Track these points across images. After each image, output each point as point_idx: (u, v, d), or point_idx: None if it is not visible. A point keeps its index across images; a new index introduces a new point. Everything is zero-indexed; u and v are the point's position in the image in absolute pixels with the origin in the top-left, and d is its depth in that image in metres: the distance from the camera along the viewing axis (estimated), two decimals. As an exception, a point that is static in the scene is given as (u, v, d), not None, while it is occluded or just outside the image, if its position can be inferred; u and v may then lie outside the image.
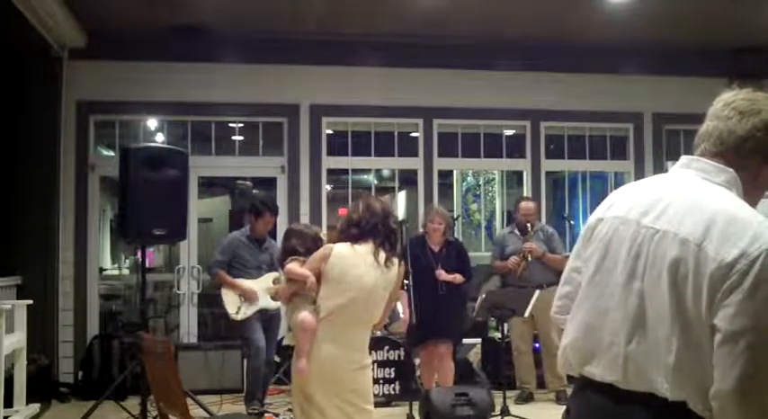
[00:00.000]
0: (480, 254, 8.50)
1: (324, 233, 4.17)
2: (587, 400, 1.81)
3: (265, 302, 6.34)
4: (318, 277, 3.62)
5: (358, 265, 3.61)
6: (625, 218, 1.78)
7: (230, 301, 6.29)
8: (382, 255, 3.63)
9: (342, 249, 3.64)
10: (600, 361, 1.76)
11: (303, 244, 3.93)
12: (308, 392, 3.57)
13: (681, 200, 1.72)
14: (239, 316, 6.26)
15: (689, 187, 1.75)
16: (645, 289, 1.70)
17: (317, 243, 3.88)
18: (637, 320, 1.70)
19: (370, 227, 3.66)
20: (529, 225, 6.86)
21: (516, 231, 7.00)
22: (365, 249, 3.64)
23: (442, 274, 6.09)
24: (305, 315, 3.60)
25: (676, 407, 1.64)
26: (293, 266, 3.76)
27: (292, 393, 3.82)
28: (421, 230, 6.43)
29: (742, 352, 1.55)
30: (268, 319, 6.46)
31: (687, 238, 1.64)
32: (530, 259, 6.75)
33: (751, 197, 1.78)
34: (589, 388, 1.80)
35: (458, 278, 6.15)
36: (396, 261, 3.69)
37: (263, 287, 6.36)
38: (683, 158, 1.84)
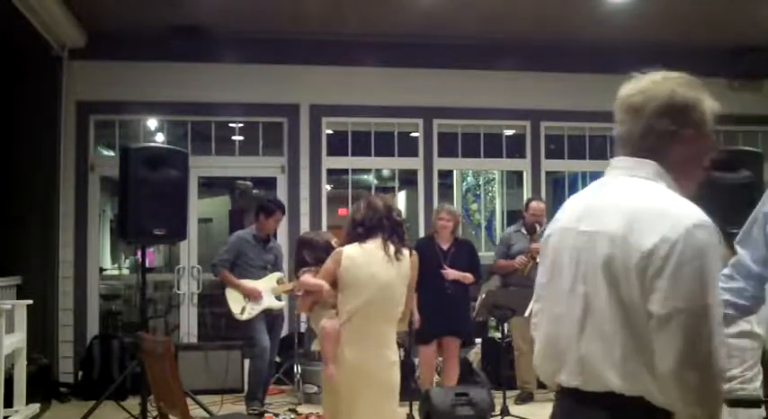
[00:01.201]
0: (481, 254, 8.48)
1: (335, 240, 4.16)
2: (559, 406, 1.87)
3: (269, 302, 6.35)
4: (334, 283, 3.63)
5: (370, 264, 3.62)
6: (566, 228, 1.85)
7: (235, 301, 6.29)
8: (392, 249, 3.64)
9: (351, 251, 3.65)
10: (564, 367, 1.80)
11: (312, 254, 3.96)
12: (337, 393, 3.61)
13: (609, 200, 1.78)
14: (244, 316, 6.27)
15: (616, 186, 1.80)
16: (588, 291, 1.74)
17: (328, 251, 3.89)
18: (584, 322, 1.75)
19: (375, 224, 3.67)
20: (537, 225, 6.86)
21: (523, 230, 7.02)
22: (374, 246, 3.65)
23: (450, 273, 6.08)
24: (325, 322, 3.65)
25: (635, 403, 1.67)
26: (307, 278, 3.81)
27: (323, 397, 3.86)
28: (424, 232, 6.43)
29: (675, 333, 1.60)
30: (272, 319, 6.47)
31: (614, 235, 1.69)
32: (537, 260, 6.74)
33: (687, 177, 1.82)
34: (561, 394, 1.85)
35: (468, 277, 6.15)
36: (406, 252, 3.71)
37: (267, 287, 6.38)
38: (611, 160, 1.89)
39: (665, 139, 1.78)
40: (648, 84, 1.81)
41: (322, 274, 3.70)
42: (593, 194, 1.86)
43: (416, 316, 5.82)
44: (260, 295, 6.30)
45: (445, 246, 6.22)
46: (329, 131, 8.25)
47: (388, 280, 3.62)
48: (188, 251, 7.97)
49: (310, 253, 3.99)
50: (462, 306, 6.27)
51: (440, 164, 8.41)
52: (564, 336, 1.79)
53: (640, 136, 1.80)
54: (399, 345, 6.63)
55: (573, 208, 1.89)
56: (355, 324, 3.58)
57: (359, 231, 3.69)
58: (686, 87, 1.81)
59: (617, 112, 1.85)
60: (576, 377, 1.76)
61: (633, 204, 1.71)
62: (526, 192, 8.33)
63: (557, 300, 1.83)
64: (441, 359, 6.39)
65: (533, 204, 7.02)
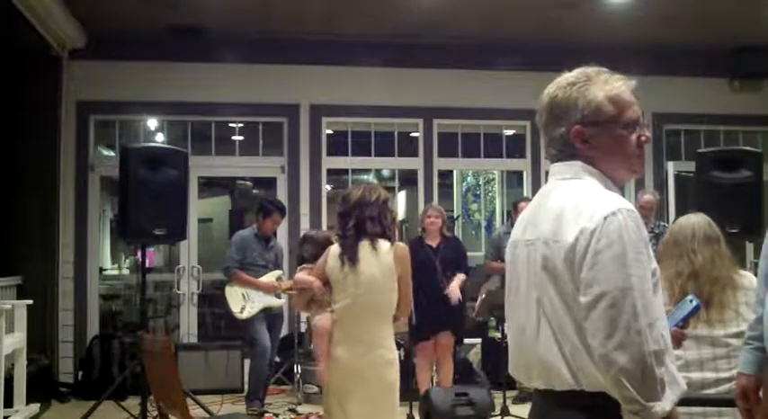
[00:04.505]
0: (480, 254, 8.49)
1: (335, 237, 4.13)
2: (533, 407, 1.92)
3: (269, 300, 6.36)
4: (327, 281, 3.62)
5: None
6: (516, 241, 1.93)
7: (234, 300, 6.30)
8: (366, 242, 3.57)
9: (335, 249, 3.64)
10: (532, 373, 1.84)
11: (312, 249, 3.95)
12: (331, 392, 3.60)
13: (543, 206, 1.85)
14: (243, 315, 6.27)
15: (550, 192, 1.87)
16: (539, 296, 1.79)
17: (326, 247, 3.86)
18: (539, 325, 1.80)
19: (349, 215, 3.61)
20: None
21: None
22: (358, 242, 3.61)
23: (453, 292, 6.13)
24: (318, 319, 3.65)
25: (598, 399, 1.69)
26: (300, 275, 3.81)
27: (324, 395, 3.79)
28: (419, 230, 6.47)
29: (599, 318, 1.65)
30: (272, 319, 6.48)
31: (547, 238, 1.77)
32: None
33: (616, 165, 1.84)
34: (535, 395, 1.90)
35: (460, 279, 6.21)
36: (383, 242, 3.59)
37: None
38: (549, 167, 1.95)
39: (567, 142, 1.84)
40: (544, 98, 1.88)
41: (315, 272, 3.68)
42: (534, 203, 1.93)
43: (412, 318, 5.84)
44: (276, 289, 6.33)
45: (434, 244, 6.27)
46: (329, 131, 8.25)
47: (371, 276, 3.54)
48: (188, 251, 7.96)
49: (310, 248, 3.97)
50: (455, 303, 6.26)
51: (440, 164, 8.41)
52: (527, 343, 1.84)
53: (549, 145, 1.89)
54: (399, 346, 6.68)
55: (521, 220, 1.95)
56: (345, 322, 3.55)
57: (341, 225, 3.65)
58: (569, 86, 1.85)
59: (539, 119, 1.92)
60: (543, 379, 1.80)
61: (558, 205, 1.78)
62: (526, 192, 8.33)
63: (518, 311, 1.89)
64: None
65: (523, 205, 7.00)
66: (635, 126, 1.84)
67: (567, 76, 1.88)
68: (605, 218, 1.68)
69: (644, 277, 1.67)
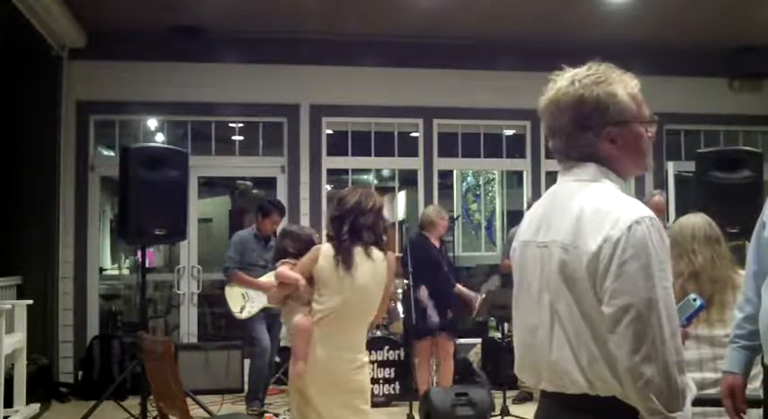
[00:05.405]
0: (480, 254, 8.51)
1: (317, 236, 4.09)
2: (541, 408, 1.90)
3: (268, 300, 6.36)
4: (310, 279, 3.59)
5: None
6: (527, 241, 1.89)
7: (234, 300, 6.30)
8: (360, 248, 3.55)
9: (328, 249, 3.58)
10: (542, 375, 1.83)
11: (296, 245, 3.88)
12: (305, 394, 3.56)
13: (557, 209, 1.81)
14: (243, 315, 6.27)
15: (563, 194, 1.83)
16: (552, 300, 1.77)
17: (309, 246, 3.79)
18: (552, 329, 1.78)
19: (344, 220, 3.58)
20: None
21: None
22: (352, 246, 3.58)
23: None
24: (299, 318, 3.58)
25: (611, 403, 1.69)
26: (283, 269, 3.69)
27: (290, 394, 3.80)
28: (422, 229, 6.51)
29: (626, 330, 1.63)
30: (272, 318, 6.47)
31: (564, 242, 1.74)
32: None
33: (630, 165, 1.83)
34: (543, 396, 1.88)
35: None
36: (377, 250, 3.59)
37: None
38: (560, 167, 1.91)
39: (590, 143, 1.80)
40: (557, 94, 1.83)
41: (299, 267, 3.63)
42: (546, 203, 1.89)
43: (411, 319, 5.89)
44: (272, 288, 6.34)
45: (437, 244, 6.38)
46: (329, 131, 8.25)
47: (364, 283, 3.54)
48: (188, 251, 7.96)
49: (294, 244, 3.91)
50: (456, 304, 6.33)
51: (440, 164, 8.41)
52: (537, 346, 1.82)
53: (567, 145, 1.83)
54: (398, 345, 6.69)
55: (531, 220, 1.91)
56: (328, 324, 3.53)
57: (335, 228, 3.62)
58: (593, 85, 1.80)
59: (542, 123, 1.88)
60: (554, 383, 1.79)
61: (578, 209, 1.74)
62: (526, 192, 8.33)
63: (528, 312, 1.86)
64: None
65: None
66: (648, 122, 1.83)
67: (584, 74, 1.83)
68: (629, 227, 1.65)
69: (668, 287, 1.66)
